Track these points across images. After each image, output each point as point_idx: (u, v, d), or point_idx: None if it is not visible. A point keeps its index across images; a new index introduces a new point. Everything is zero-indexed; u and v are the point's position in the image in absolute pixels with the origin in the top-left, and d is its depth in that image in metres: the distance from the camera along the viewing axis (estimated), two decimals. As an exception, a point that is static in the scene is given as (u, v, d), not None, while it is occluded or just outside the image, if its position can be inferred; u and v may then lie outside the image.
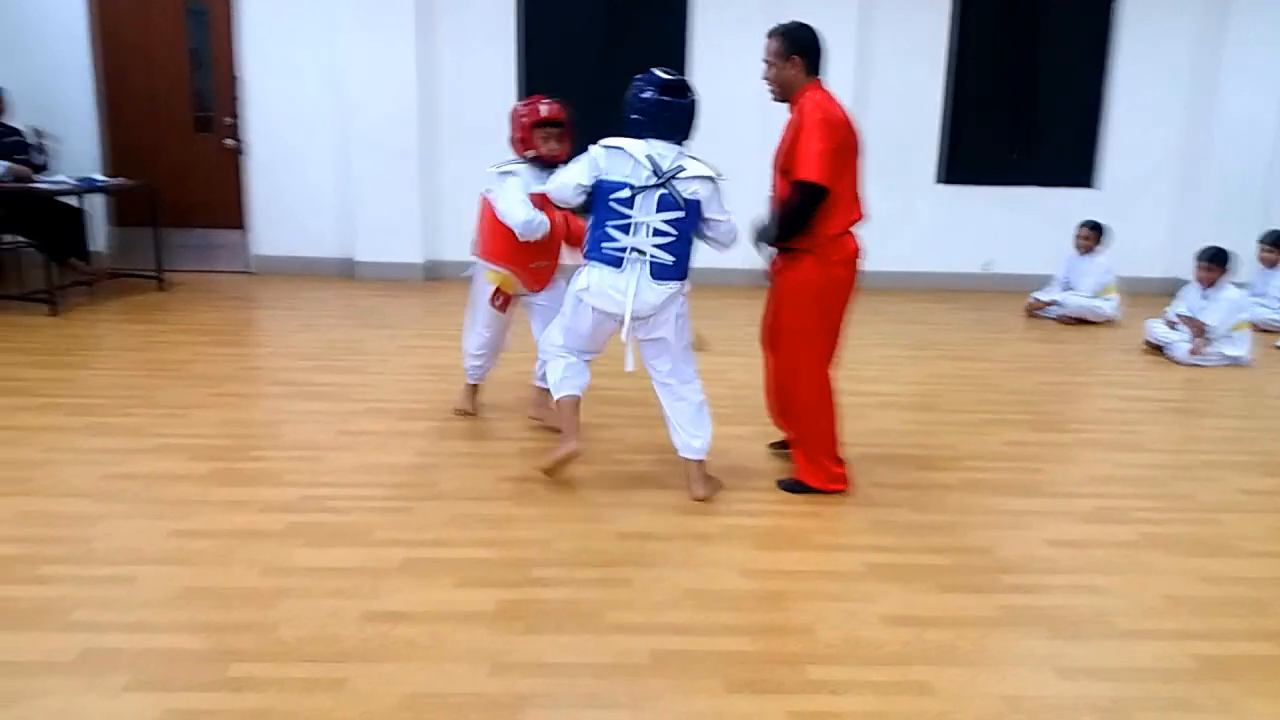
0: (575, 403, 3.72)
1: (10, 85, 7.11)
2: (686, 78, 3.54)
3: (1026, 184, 8.71)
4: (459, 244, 7.16)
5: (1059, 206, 8.52)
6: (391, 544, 3.22)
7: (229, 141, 8.20)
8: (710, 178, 3.44)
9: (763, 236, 3.62)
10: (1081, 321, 7.33)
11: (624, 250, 3.44)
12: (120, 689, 2.37)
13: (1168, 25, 8.45)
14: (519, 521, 3.46)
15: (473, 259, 4.28)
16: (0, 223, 6.91)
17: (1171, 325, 6.39)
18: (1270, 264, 7.42)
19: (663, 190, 3.39)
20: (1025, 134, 8.76)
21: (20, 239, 7.08)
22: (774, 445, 4.24)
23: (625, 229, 3.43)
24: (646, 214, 3.41)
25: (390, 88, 7.97)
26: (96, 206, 7.92)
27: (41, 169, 6.95)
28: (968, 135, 8.66)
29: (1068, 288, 7.54)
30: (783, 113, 3.67)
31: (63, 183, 6.82)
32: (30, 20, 7.92)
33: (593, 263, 3.51)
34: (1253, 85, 8.35)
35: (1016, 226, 8.70)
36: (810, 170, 3.38)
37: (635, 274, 3.44)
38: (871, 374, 5.60)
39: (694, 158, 3.48)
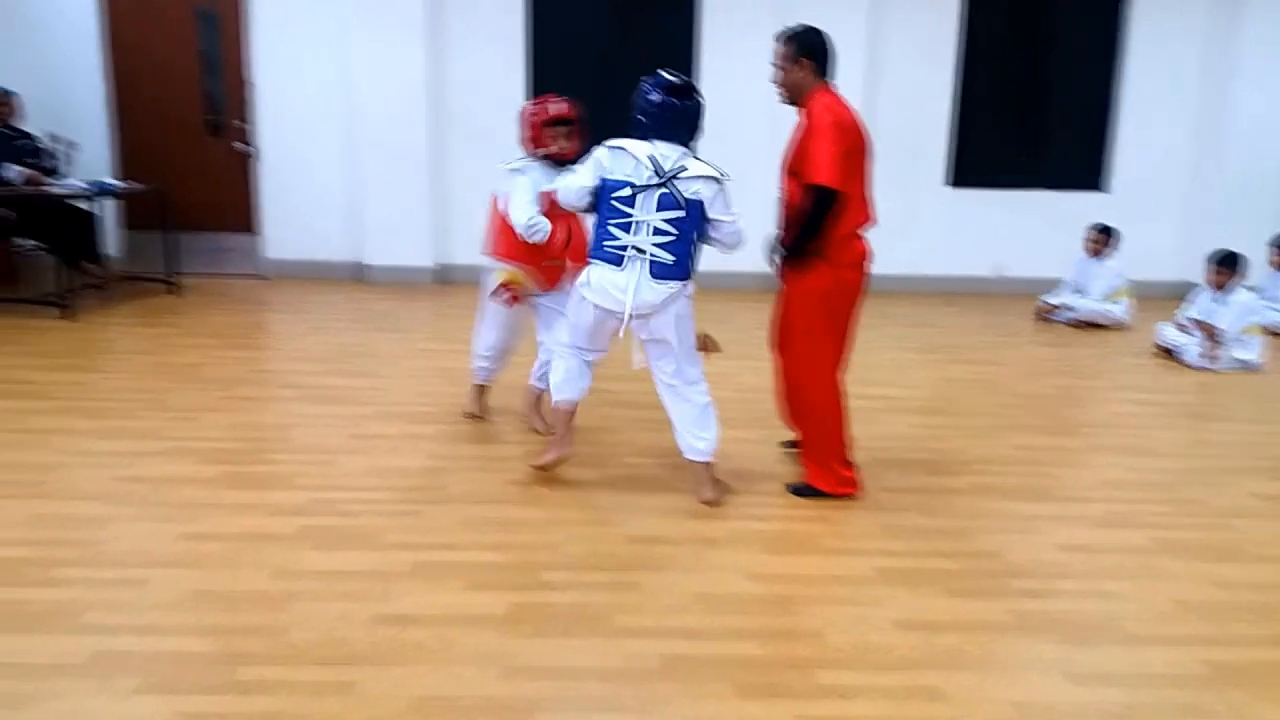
0: (572, 408, 3.79)
1: (22, 89, 7.15)
2: (692, 80, 3.54)
3: (1036, 187, 8.69)
4: (469, 247, 7.18)
5: (1068, 210, 8.49)
6: (401, 547, 3.23)
7: (239, 145, 8.24)
8: (713, 178, 3.44)
9: (779, 252, 3.61)
10: (1092, 325, 7.30)
11: (624, 248, 3.46)
12: (130, 691, 2.38)
13: (1177, 27, 8.42)
14: (528, 525, 3.46)
15: (492, 262, 4.21)
16: (11, 226, 6.95)
17: (1183, 329, 6.36)
18: (1281, 267, 7.39)
19: (664, 190, 3.40)
20: (1034, 137, 8.75)
21: (33, 242, 7.11)
22: (786, 444, 4.24)
23: (626, 227, 3.45)
24: (647, 213, 3.42)
25: (399, 91, 8.00)
26: (107, 210, 7.96)
27: (52, 173, 6.98)
28: (977, 138, 8.65)
29: (1078, 291, 7.51)
30: (791, 115, 3.67)
31: (75, 187, 6.86)
32: (41, 24, 7.98)
33: (595, 260, 3.54)
34: (1264, 86, 8.32)
35: (1026, 230, 8.67)
36: (823, 174, 3.38)
37: (635, 272, 3.45)
38: (881, 377, 5.59)
39: (699, 159, 3.49)
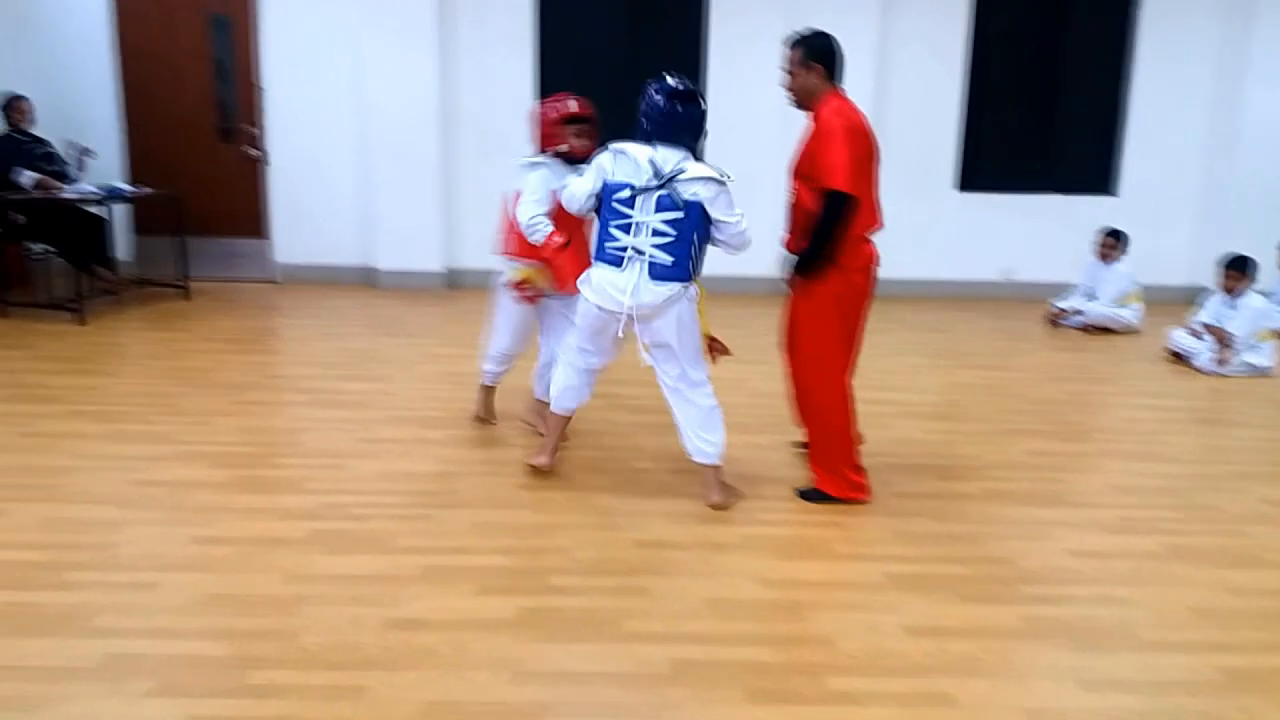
0: (570, 414, 3.87)
1: (33, 94, 7.18)
2: (695, 85, 3.56)
3: (1046, 191, 8.65)
4: (479, 252, 7.20)
5: (1079, 214, 8.46)
6: (412, 551, 3.23)
7: (251, 151, 8.27)
8: (713, 179, 3.45)
9: (800, 268, 3.60)
10: (1102, 330, 7.27)
11: (624, 249, 3.48)
12: (143, 695, 2.39)
13: (1188, 29, 8.38)
14: (537, 529, 3.46)
15: (507, 260, 4.19)
16: (23, 230, 6.99)
17: (1194, 334, 6.33)
18: (1292, 271, 7.35)
19: (662, 191, 3.42)
20: (1044, 141, 8.72)
21: (45, 247, 7.15)
22: (796, 444, 4.23)
23: (626, 229, 3.48)
24: (646, 214, 3.45)
25: (409, 96, 8.02)
26: (119, 215, 8.00)
27: (64, 178, 7.01)
28: (986, 142, 8.63)
29: (1088, 296, 7.48)
30: (800, 119, 3.68)
31: (86, 191, 6.90)
32: (53, 29, 8.02)
33: (597, 261, 3.58)
34: (1276, 89, 8.27)
35: (1036, 234, 8.65)
36: (838, 179, 3.38)
37: (634, 273, 3.47)
38: (891, 382, 5.58)
39: (700, 162, 3.50)
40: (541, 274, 4.09)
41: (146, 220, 8.28)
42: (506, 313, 4.30)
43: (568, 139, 4.00)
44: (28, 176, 6.71)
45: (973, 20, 8.33)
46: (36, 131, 7.10)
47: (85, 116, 8.01)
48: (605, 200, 3.54)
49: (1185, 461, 4.47)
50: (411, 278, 8.27)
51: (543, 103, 4.12)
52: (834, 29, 3.65)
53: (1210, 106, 8.53)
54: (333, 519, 3.47)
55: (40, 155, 6.98)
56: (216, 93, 8.31)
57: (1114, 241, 7.42)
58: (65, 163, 7.15)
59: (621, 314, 3.52)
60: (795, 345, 3.79)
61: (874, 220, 3.61)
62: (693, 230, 3.46)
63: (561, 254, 3.84)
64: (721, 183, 3.46)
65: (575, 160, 3.95)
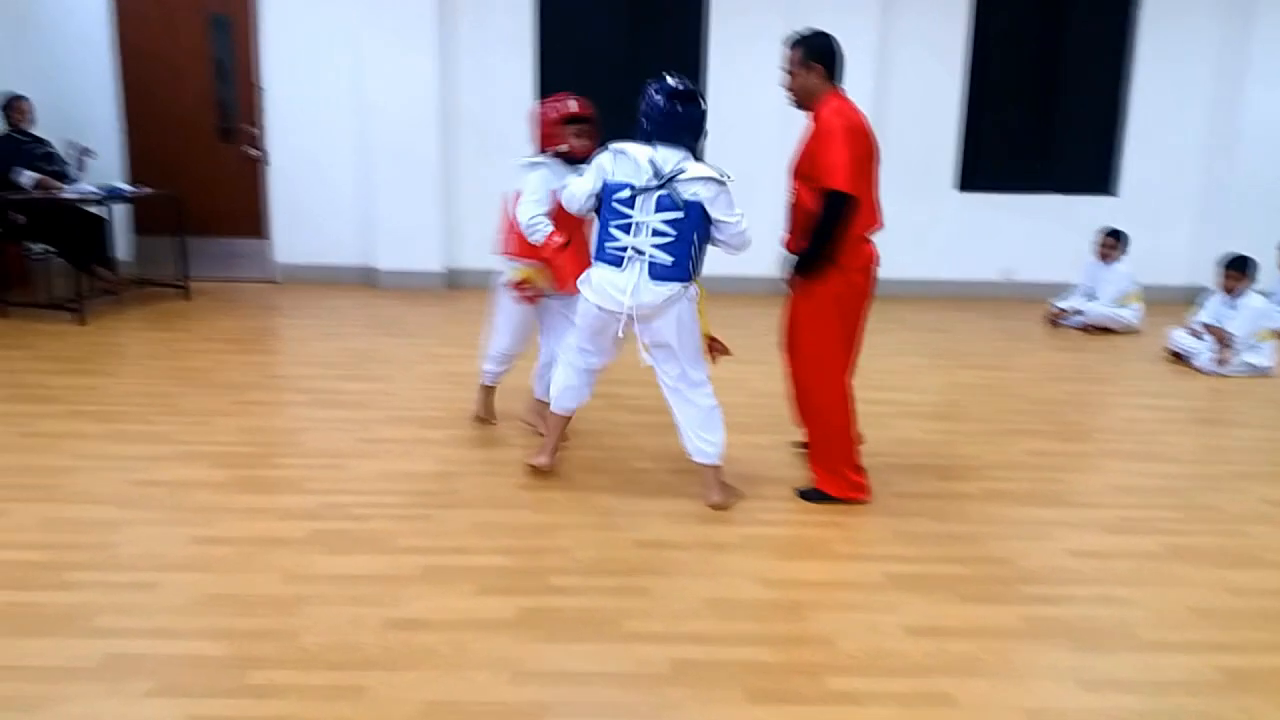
0: (569, 414, 3.88)
1: (33, 94, 7.17)
2: (695, 85, 3.57)
3: (1046, 191, 8.65)
4: (479, 252, 7.20)
5: (1079, 214, 8.46)
6: (412, 551, 3.23)
7: (251, 151, 8.27)
8: (713, 179, 3.45)
9: (800, 268, 3.60)
10: (1102, 330, 7.27)
11: (624, 249, 3.49)
12: (143, 695, 2.39)
13: (1188, 29, 8.38)
14: (537, 529, 3.46)
15: (507, 260, 4.19)
16: (23, 230, 6.99)
17: (1194, 334, 6.33)
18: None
19: (662, 191, 3.42)
20: (1044, 141, 8.72)
21: (45, 247, 7.15)
22: (797, 444, 4.23)
23: (626, 229, 3.49)
24: (646, 214, 3.45)
25: (409, 96, 8.02)
26: (119, 215, 8.00)
27: (64, 178, 7.01)
28: (986, 142, 8.63)
29: (1089, 296, 7.48)
30: (800, 119, 3.68)
31: (86, 191, 6.90)
32: (53, 29, 8.02)
33: (597, 261, 3.59)
34: (1276, 89, 8.27)
35: (1036, 234, 8.64)
36: (838, 179, 3.39)
37: (634, 273, 3.48)
38: (891, 382, 5.58)
39: (700, 162, 3.50)
40: (541, 274, 4.09)
41: (146, 220, 8.28)
42: (506, 313, 4.30)
43: (568, 139, 4.00)
44: (28, 176, 6.71)
45: (973, 20, 8.33)
46: (36, 131, 7.10)
47: (85, 116, 8.02)
48: (605, 200, 3.55)
49: (1185, 461, 4.47)
50: (411, 278, 8.27)
51: (543, 102, 4.12)
52: (834, 29, 3.66)
53: (1210, 106, 8.53)
54: (333, 519, 3.47)
55: (40, 155, 6.98)
56: (216, 93, 8.31)
57: (1114, 241, 7.42)
58: (65, 163, 7.15)
59: (621, 314, 3.52)
60: (795, 345, 3.79)
61: (874, 220, 3.61)
62: (692, 230, 3.46)
63: (561, 254, 3.84)
64: (721, 183, 3.46)
65: (575, 160, 3.95)
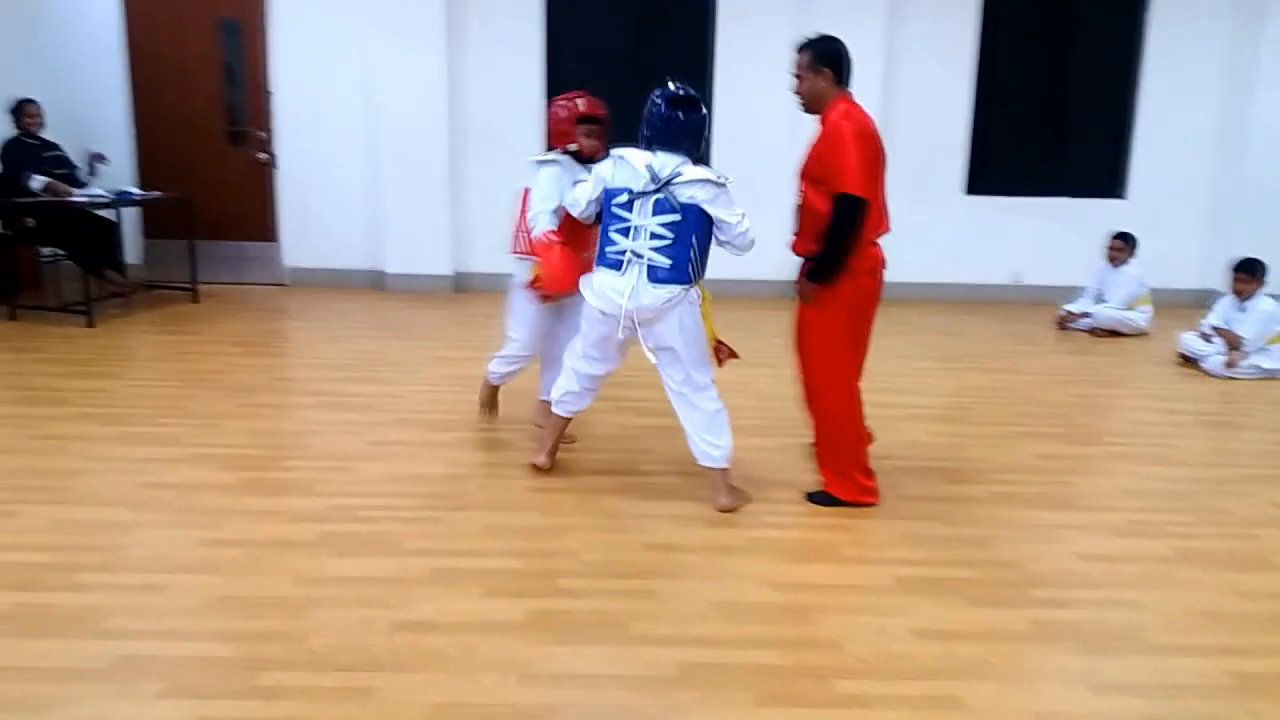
0: (568, 419, 3.93)
1: (44, 98, 7.20)
2: (697, 91, 3.59)
3: (1055, 194, 8.63)
4: (487, 256, 7.22)
5: (1088, 217, 8.43)
6: (421, 554, 3.24)
7: (260, 155, 8.30)
8: (710, 181, 3.45)
9: (815, 275, 3.59)
10: (1112, 333, 7.25)
11: (624, 253, 3.51)
12: (152, 696, 2.39)
13: (1198, 32, 8.36)
14: (546, 532, 3.46)
15: (518, 260, 4.16)
16: (34, 234, 7.02)
17: (1205, 337, 6.31)
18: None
19: (659, 195, 3.44)
20: (1053, 144, 8.71)
21: (58, 251, 7.18)
22: (813, 444, 4.21)
23: (625, 232, 3.52)
24: (644, 218, 3.48)
25: (418, 100, 8.04)
26: (128, 219, 8.02)
27: (74, 182, 7.03)
28: (995, 145, 8.62)
29: (1099, 299, 7.46)
30: (807, 123, 3.68)
31: (96, 195, 6.93)
32: (64, 34, 8.06)
33: (598, 266, 3.62)
34: (1287, 92, 8.25)
35: (1045, 237, 8.62)
36: (850, 183, 3.39)
37: (633, 276, 3.50)
38: (900, 385, 5.57)
39: (699, 165, 3.51)
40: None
41: (156, 224, 8.31)
42: (519, 313, 4.27)
43: (578, 138, 4.01)
44: (37, 180, 6.74)
45: (980, 23, 8.31)
46: (46, 135, 7.12)
47: (95, 120, 8.06)
48: (605, 205, 3.59)
49: (1195, 465, 4.45)
50: (419, 281, 8.29)
51: (554, 101, 4.13)
52: (841, 33, 3.65)
53: (1220, 109, 8.50)
54: (341, 521, 3.48)
55: (50, 159, 7.00)
56: (226, 96, 8.34)
57: (1123, 244, 7.40)
58: (75, 166, 7.17)
59: (622, 317, 3.53)
60: (805, 349, 3.79)
61: (882, 224, 3.61)
62: (691, 233, 3.47)
63: (550, 250, 3.83)
64: (719, 184, 3.47)
65: (585, 160, 3.96)
